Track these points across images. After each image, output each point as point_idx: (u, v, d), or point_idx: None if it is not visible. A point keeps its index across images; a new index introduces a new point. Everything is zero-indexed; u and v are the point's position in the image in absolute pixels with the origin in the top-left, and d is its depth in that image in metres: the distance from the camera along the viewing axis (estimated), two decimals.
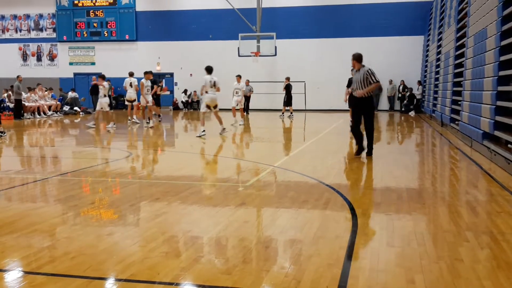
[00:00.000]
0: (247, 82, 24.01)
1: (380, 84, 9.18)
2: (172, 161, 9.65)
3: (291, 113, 21.89)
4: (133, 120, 17.86)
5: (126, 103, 18.44)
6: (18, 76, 20.78)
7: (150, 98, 17.20)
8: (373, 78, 8.76)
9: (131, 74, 17.85)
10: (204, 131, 13.31)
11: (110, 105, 16.99)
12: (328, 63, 27.02)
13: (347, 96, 13.58)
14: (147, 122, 16.58)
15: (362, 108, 9.05)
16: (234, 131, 15.42)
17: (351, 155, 10.24)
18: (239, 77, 17.73)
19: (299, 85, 26.15)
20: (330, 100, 26.62)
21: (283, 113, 21.91)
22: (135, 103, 17.94)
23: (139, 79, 17.34)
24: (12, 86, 21.61)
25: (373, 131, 9.14)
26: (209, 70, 13.19)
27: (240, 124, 16.94)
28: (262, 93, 26.75)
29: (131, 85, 17.62)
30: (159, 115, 18.85)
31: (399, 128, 17.42)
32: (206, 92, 13.18)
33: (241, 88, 17.42)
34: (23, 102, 21.17)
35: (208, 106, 13.34)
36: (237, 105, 17.49)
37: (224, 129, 13.67)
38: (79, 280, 3.31)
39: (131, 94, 17.63)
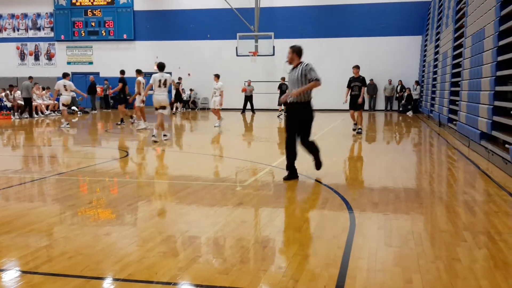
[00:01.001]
0: (249, 82, 24.04)
1: (319, 84, 6.84)
2: (170, 161, 9.65)
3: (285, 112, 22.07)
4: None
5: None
6: (30, 77, 21.49)
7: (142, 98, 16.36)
8: (312, 74, 6.93)
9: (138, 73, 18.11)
10: (165, 135, 12.09)
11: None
12: (326, 63, 26.99)
13: (347, 97, 13.60)
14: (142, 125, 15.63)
15: (296, 116, 6.91)
16: (219, 131, 15.39)
17: (349, 155, 10.25)
18: (216, 76, 16.87)
19: None
20: (328, 100, 26.57)
21: (281, 111, 22.11)
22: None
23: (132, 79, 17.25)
24: (11, 86, 21.62)
25: (312, 145, 7.21)
26: (160, 67, 11.74)
27: (215, 126, 16.48)
28: (260, 92, 26.74)
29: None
30: (131, 117, 17.83)
31: (396, 128, 17.43)
32: (152, 91, 11.88)
33: (219, 88, 16.69)
34: (19, 102, 21.16)
35: (156, 108, 11.87)
36: (216, 106, 16.83)
37: (165, 135, 12.07)
38: (76, 280, 3.30)
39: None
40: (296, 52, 7.29)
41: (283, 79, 22.51)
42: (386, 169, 7.94)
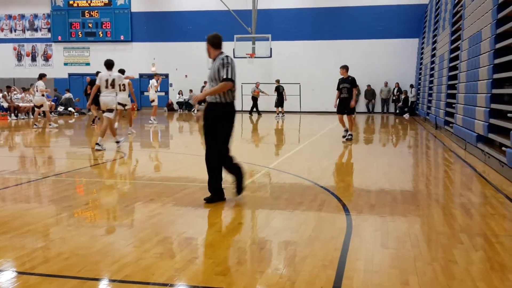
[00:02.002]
0: (258, 84, 24.12)
1: (230, 85, 5.41)
2: (167, 162, 9.64)
3: (282, 114, 22.40)
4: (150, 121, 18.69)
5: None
6: (44, 75, 21.45)
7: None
8: (223, 72, 5.45)
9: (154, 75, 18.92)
10: (118, 142, 10.93)
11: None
12: (323, 65, 27.06)
13: (337, 101, 12.45)
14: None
15: (211, 120, 5.54)
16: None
17: (346, 157, 10.26)
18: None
19: (294, 87, 26.20)
20: (325, 102, 26.64)
21: (278, 114, 22.33)
22: (154, 103, 18.59)
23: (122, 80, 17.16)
24: (8, 86, 21.57)
25: (232, 165, 5.69)
26: (108, 65, 10.53)
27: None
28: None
29: (152, 86, 18.41)
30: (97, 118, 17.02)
31: (393, 130, 17.47)
32: (100, 92, 10.54)
33: None
34: (17, 103, 21.12)
35: (102, 111, 10.68)
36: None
37: (118, 142, 10.92)
38: (73, 281, 3.30)
39: (151, 95, 18.38)
40: (210, 42, 5.85)
41: (277, 81, 22.80)
42: (383, 171, 7.95)
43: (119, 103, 12.94)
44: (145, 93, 19.19)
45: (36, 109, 16.90)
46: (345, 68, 12.38)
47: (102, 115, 13.15)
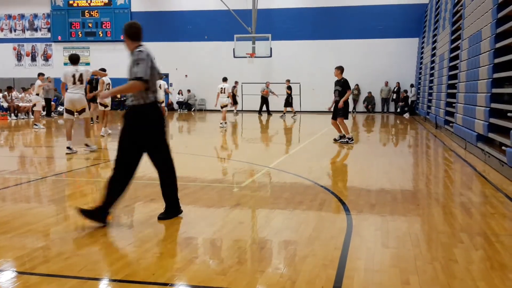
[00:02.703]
0: (268, 84, 24.16)
1: (140, 86, 4.55)
2: None
3: (294, 114, 22.45)
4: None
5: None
6: (48, 77, 22.22)
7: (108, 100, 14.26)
8: (135, 70, 4.62)
9: (161, 77, 18.64)
10: (89, 146, 9.99)
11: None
12: (323, 64, 27.03)
13: (333, 105, 11.90)
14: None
15: (127, 126, 4.68)
16: (222, 131, 15.35)
17: (346, 156, 10.26)
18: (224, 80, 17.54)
19: (294, 86, 26.16)
20: (325, 102, 26.57)
21: (285, 113, 22.45)
22: (162, 104, 18.51)
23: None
24: (9, 87, 21.58)
25: (171, 177, 4.98)
26: (72, 59, 9.62)
27: (221, 126, 16.65)
28: (257, 94, 26.74)
29: (160, 87, 18.28)
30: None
31: (393, 130, 17.46)
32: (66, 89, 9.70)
33: (227, 89, 17.13)
34: (16, 103, 21.13)
35: (68, 111, 9.60)
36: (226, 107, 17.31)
37: (88, 145, 9.99)
38: (73, 281, 3.29)
39: (160, 95, 18.44)
40: (127, 33, 4.83)
41: (288, 81, 22.81)
42: (383, 171, 7.94)
43: (100, 104, 12.76)
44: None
45: (34, 109, 16.94)
46: (339, 69, 11.72)
47: (100, 113, 13.27)
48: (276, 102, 24.49)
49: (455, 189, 6.89)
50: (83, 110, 9.66)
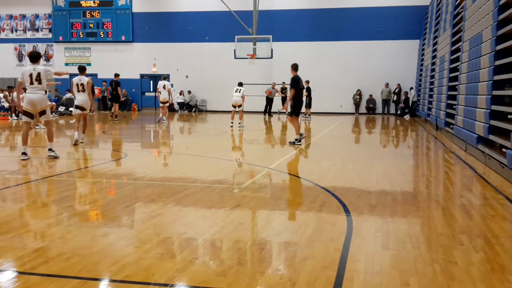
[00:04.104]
0: (274, 84, 24.14)
1: None
2: (168, 163, 9.64)
3: (308, 115, 22.44)
4: (162, 119, 18.88)
5: (161, 105, 19.09)
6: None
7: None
8: None
9: (164, 77, 19.55)
10: (51, 150, 9.19)
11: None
12: (324, 66, 27.08)
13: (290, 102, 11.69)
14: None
15: None
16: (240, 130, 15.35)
17: (347, 158, 10.26)
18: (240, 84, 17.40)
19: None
20: (326, 103, 26.70)
21: (305, 115, 22.36)
22: (166, 104, 18.95)
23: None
24: (10, 87, 21.59)
25: None
26: (32, 57, 9.08)
27: (239, 126, 16.86)
28: (258, 95, 26.77)
29: (164, 87, 18.71)
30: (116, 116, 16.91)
31: (394, 131, 17.47)
32: (25, 90, 8.97)
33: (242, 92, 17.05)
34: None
35: (27, 113, 8.84)
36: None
37: (52, 150, 9.18)
38: (73, 281, 3.30)
39: (164, 96, 18.70)
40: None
41: (307, 82, 22.52)
42: (384, 172, 7.95)
43: (77, 106, 11.20)
44: (158, 94, 19.43)
45: (162, 104, 17.59)
46: (291, 67, 11.93)
47: (76, 116, 11.63)
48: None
49: (455, 191, 6.89)
50: (43, 112, 8.93)
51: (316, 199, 5.83)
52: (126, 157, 9.85)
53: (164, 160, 10.14)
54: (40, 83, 8.77)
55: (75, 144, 10.90)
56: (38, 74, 8.74)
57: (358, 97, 26.92)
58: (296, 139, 11.69)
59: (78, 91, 11.08)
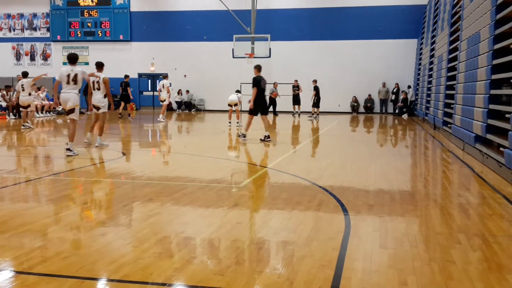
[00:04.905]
0: (276, 84, 24.20)
1: None
2: (166, 162, 9.64)
3: (317, 114, 22.41)
4: (162, 120, 18.96)
5: (161, 103, 19.31)
6: (18, 75, 21.28)
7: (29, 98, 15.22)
8: None
9: (165, 76, 19.53)
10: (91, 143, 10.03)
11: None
12: (322, 65, 27.09)
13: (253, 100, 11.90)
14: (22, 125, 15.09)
15: None
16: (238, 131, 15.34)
17: (345, 157, 10.27)
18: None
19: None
20: (323, 102, 26.66)
21: (313, 114, 22.38)
22: (165, 102, 19.09)
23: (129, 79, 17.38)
24: (7, 86, 21.56)
25: None
26: (71, 59, 9.59)
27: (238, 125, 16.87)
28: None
29: (163, 86, 19.01)
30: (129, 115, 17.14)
31: (392, 130, 17.48)
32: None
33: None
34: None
35: (64, 111, 9.63)
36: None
37: (70, 150, 9.36)
38: (71, 280, 3.29)
39: (163, 94, 18.95)
40: None
41: (315, 81, 22.51)
42: (382, 172, 7.95)
43: (93, 106, 10.95)
44: (159, 93, 19.60)
45: (22, 109, 15.66)
46: (255, 67, 12.34)
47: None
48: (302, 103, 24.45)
49: (453, 190, 6.90)
50: (71, 111, 9.38)
51: (314, 198, 5.84)
52: (124, 156, 9.83)
53: (162, 159, 10.13)
54: (76, 83, 9.34)
55: (96, 146, 10.54)
56: (75, 75, 9.28)
57: (355, 104, 27.09)
58: (243, 134, 12.31)
59: (94, 89, 10.63)
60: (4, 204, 5.69)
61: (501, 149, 7.72)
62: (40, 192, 6.44)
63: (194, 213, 5.23)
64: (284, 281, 3.32)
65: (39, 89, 23.46)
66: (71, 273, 3.43)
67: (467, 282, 3.32)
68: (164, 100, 18.98)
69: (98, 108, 10.73)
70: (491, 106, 8.73)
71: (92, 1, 30.08)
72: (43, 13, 31.08)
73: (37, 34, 31.33)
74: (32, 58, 31.46)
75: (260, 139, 12.14)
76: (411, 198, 6.07)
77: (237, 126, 16.67)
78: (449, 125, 13.19)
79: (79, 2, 30.23)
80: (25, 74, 15.75)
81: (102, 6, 29.94)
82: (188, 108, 28.94)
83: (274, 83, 24.47)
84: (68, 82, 9.31)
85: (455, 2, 14.59)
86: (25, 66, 31.09)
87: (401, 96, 25.34)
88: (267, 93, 24.96)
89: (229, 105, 16.68)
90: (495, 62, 8.76)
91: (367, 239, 4.29)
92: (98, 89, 10.76)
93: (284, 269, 3.56)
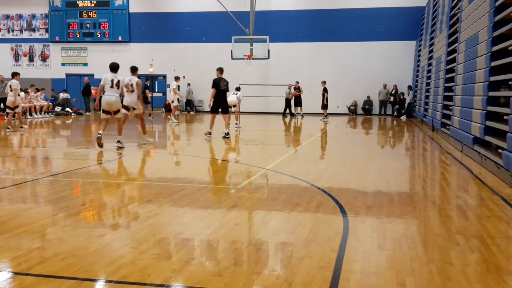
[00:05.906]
0: (290, 86, 24.22)
1: None
2: (165, 163, 9.63)
3: (325, 116, 22.37)
4: (170, 120, 19.36)
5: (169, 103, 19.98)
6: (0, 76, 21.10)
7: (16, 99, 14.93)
8: None
9: (175, 78, 20.00)
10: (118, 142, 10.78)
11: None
12: (321, 66, 27.11)
13: (212, 100, 13.15)
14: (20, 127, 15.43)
15: None
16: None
17: (343, 158, 10.28)
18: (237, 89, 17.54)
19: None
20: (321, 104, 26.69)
21: (325, 116, 22.35)
22: (174, 104, 19.53)
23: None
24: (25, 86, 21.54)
25: None
26: (113, 68, 11.07)
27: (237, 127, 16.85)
28: (254, 96, 26.80)
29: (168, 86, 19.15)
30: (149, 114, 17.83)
31: (390, 132, 17.50)
32: (104, 92, 10.69)
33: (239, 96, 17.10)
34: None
35: (106, 112, 10.72)
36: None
37: (120, 146, 10.77)
38: (69, 282, 3.29)
39: (169, 96, 19.72)
40: None
41: (324, 82, 22.44)
42: (380, 173, 7.96)
43: (124, 106, 11.25)
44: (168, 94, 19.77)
45: (9, 111, 14.95)
46: (217, 70, 13.41)
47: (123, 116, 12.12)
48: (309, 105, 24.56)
49: (451, 192, 6.91)
50: (118, 111, 10.83)
51: (313, 200, 5.84)
52: (123, 157, 9.83)
53: (161, 160, 10.12)
54: (118, 88, 10.73)
55: (120, 148, 10.75)
56: (118, 81, 10.70)
57: (354, 107, 27.13)
58: (226, 133, 13.20)
59: (127, 91, 11.28)
60: (3, 205, 5.68)
61: (499, 150, 7.73)
62: (39, 193, 6.43)
63: (193, 214, 5.23)
64: (282, 282, 3.32)
65: (38, 90, 23.44)
66: (69, 274, 3.43)
67: (466, 284, 3.32)
68: (173, 102, 19.20)
69: (128, 109, 11.31)
70: (490, 108, 8.75)
71: (91, 2, 30.09)
72: (41, 14, 31.06)
73: (35, 35, 31.31)
74: (31, 59, 31.44)
75: (223, 137, 13.03)
76: (410, 199, 6.08)
77: (235, 127, 16.67)
78: (447, 127, 13.20)
79: (78, 3, 30.24)
80: (13, 75, 15.11)
81: (101, 7, 29.93)
82: (188, 105, 28.85)
83: (288, 85, 24.53)
84: (112, 86, 10.62)
85: (453, 4, 14.62)
86: (24, 67, 31.09)
87: (400, 98, 25.36)
88: (283, 94, 25.11)
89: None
90: (493, 64, 8.77)
91: (365, 241, 4.29)
92: (132, 91, 11.34)
93: (283, 270, 3.56)
